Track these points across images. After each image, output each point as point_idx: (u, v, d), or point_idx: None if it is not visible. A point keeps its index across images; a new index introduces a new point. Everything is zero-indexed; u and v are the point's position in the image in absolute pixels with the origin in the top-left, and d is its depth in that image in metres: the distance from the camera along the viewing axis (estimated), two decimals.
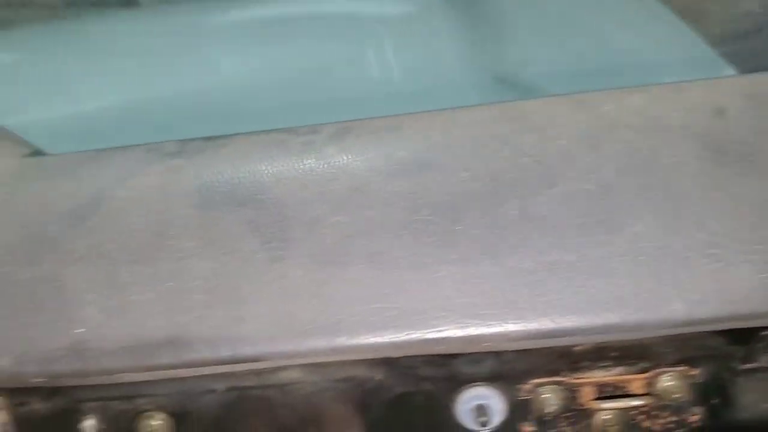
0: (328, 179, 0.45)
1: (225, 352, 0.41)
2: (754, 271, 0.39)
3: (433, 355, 0.45)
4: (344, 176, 0.45)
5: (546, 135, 0.44)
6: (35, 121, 0.83)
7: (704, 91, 0.46)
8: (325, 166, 0.46)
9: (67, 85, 1.10)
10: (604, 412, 0.47)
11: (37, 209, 0.47)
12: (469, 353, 0.45)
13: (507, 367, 0.46)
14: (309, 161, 0.46)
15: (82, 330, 0.42)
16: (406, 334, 0.41)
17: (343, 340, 0.41)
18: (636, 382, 0.47)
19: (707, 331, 0.43)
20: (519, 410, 0.48)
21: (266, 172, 0.46)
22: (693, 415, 0.47)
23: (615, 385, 0.47)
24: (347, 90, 1.11)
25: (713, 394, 0.47)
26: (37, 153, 0.57)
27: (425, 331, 0.40)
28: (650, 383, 0.46)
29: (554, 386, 0.46)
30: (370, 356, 0.42)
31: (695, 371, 0.46)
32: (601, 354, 0.45)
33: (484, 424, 0.47)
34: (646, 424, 0.48)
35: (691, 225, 0.40)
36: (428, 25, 1.21)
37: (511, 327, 0.40)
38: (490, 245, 0.41)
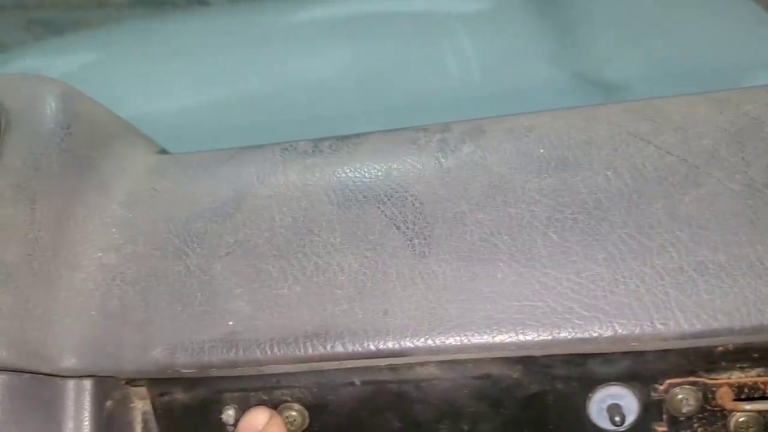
0: (467, 176, 0.46)
1: (371, 346, 0.42)
2: None
3: (571, 354, 0.45)
4: (483, 173, 0.45)
5: (688, 134, 0.44)
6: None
7: None
8: (463, 163, 0.46)
9: (145, 84, 1.14)
10: (741, 414, 0.47)
11: (181, 206, 0.49)
12: (606, 352, 0.45)
13: (642, 366, 0.46)
14: (446, 159, 0.47)
15: (232, 322, 0.44)
16: (555, 333, 0.41)
17: (490, 338, 0.41)
18: None
19: None
20: (652, 410, 0.47)
21: (403, 169, 0.47)
22: None
23: (753, 387, 0.46)
24: (425, 92, 1.11)
25: None
26: (163, 152, 0.59)
27: (573, 330, 0.41)
28: None
29: (690, 387, 0.46)
30: (515, 354, 0.42)
31: None
32: (743, 355, 0.44)
33: (618, 424, 0.47)
34: None
35: None
36: (505, 21, 1.21)
37: (660, 327, 0.40)
38: (638, 244, 0.41)
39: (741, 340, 0.41)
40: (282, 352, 0.43)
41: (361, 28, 1.20)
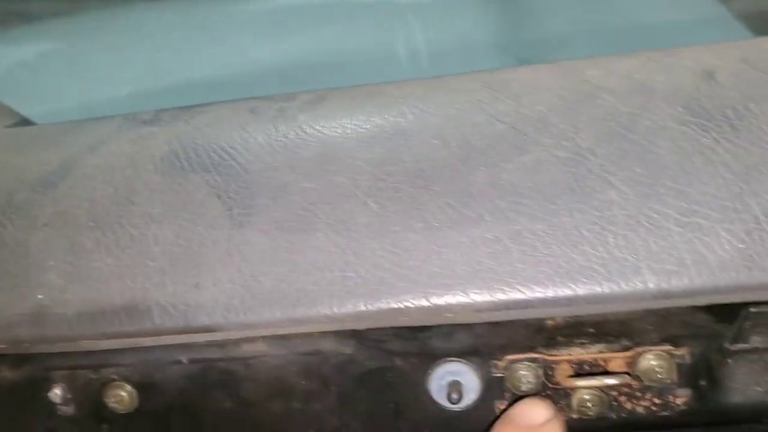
0: (299, 145, 0.44)
1: (180, 321, 0.40)
2: (735, 241, 0.37)
3: (402, 329, 0.43)
4: (315, 142, 0.43)
5: (522, 101, 0.42)
6: (64, 110, 0.84)
7: (696, 55, 0.43)
8: (297, 132, 0.44)
9: (95, 74, 1.12)
10: (583, 391, 0.45)
11: (10, 177, 0.47)
12: (441, 327, 0.43)
13: (480, 342, 0.44)
14: (281, 127, 0.45)
15: (42, 296, 0.42)
16: (367, 304, 0.39)
17: (303, 311, 0.40)
18: (616, 361, 0.44)
19: (690, 307, 0.41)
20: (494, 387, 0.46)
21: (236, 138, 0.45)
22: (678, 398, 0.45)
23: (594, 364, 0.45)
24: (376, 76, 1.10)
25: (700, 375, 0.45)
26: (25, 122, 0.57)
27: (387, 300, 0.39)
28: (631, 362, 0.44)
29: (530, 363, 0.45)
30: (330, 328, 0.41)
31: (681, 351, 0.44)
32: (577, 330, 0.43)
33: (454, 401, 0.45)
34: (628, 405, 0.45)
35: (668, 192, 0.38)
36: (456, 10, 1.20)
37: (475, 297, 0.38)
38: (456, 214, 0.40)
39: (561, 311, 0.40)
40: (90, 327, 0.41)
41: (315, 17, 1.19)
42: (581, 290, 0.37)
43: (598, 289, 0.37)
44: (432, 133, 0.42)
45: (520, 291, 0.38)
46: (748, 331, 0.43)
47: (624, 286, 0.37)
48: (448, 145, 0.42)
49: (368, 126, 0.43)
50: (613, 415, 0.46)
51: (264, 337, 0.43)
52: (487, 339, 0.44)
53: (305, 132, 0.44)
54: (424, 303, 0.38)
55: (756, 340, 0.45)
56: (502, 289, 0.38)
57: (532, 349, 0.44)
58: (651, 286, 0.37)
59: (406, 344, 0.44)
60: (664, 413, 0.45)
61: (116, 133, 0.48)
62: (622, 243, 0.37)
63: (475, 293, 0.38)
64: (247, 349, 0.44)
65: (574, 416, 0.46)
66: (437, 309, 0.38)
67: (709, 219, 0.37)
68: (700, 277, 0.37)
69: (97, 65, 1.12)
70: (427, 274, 0.39)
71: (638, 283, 0.37)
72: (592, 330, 0.43)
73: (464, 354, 0.45)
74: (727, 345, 0.45)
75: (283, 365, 0.44)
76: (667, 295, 0.37)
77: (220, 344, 0.44)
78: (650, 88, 0.41)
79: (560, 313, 0.40)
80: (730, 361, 0.45)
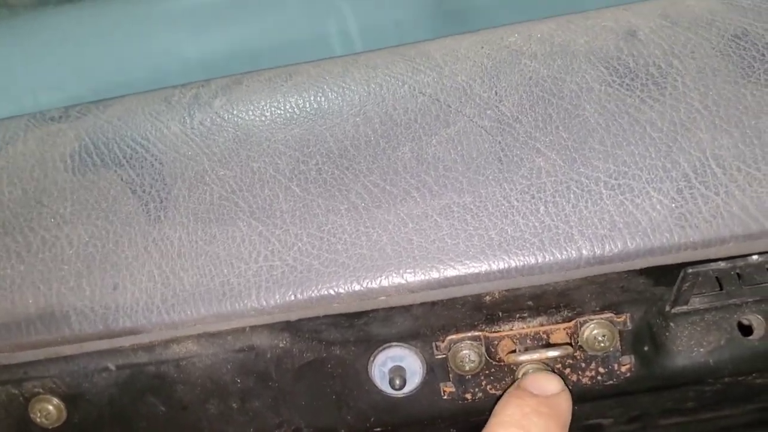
0: (213, 132, 0.42)
1: (100, 325, 0.38)
2: (666, 200, 0.36)
3: (337, 317, 0.42)
4: (231, 127, 0.42)
5: (444, 71, 0.41)
6: None
7: (617, 15, 0.42)
8: (211, 118, 0.42)
9: (15, 83, 1.08)
10: (527, 366, 0.44)
11: None
12: (378, 312, 0.42)
13: (420, 324, 0.43)
14: (196, 115, 0.43)
15: None
16: (297, 293, 0.37)
17: (229, 305, 0.38)
18: (558, 333, 0.44)
19: (628, 272, 0.40)
20: (438, 369, 0.45)
21: (149, 128, 0.43)
22: (623, 366, 0.44)
23: (536, 337, 0.44)
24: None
25: (643, 341, 0.44)
26: None
27: (317, 288, 0.37)
28: (573, 333, 0.43)
29: (471, 342, 0.43)
30: (261, 321, 0.39)
31: (621, 318, 0.43)
32: (516, 304, 0.42)
33: (397, 387, 0.44)
34: (573, 377, 0.45)
35: (595, 155, 0.37)
36: None
37: (408, 277, 0.37)
38: (381, 192, 0.38)
39: (496, 285, 0.38)
40: (4, 338, 0.38)
41: (249, 8, 1.17)
42: (515, 262, 0.36)
43: (531, 260, 0.36)
44: (353, 110, 0.41)
45: (453, 267, 0.36)
46: (687, 293, 0.43)
47: (558, 255, 0.36)
48: (370, 122, 0.40)
49: (286, 107, 0.42)
50: None
51: (193, 337, 0.41)
52: (426, 321, 0.42)
53: (221, 117, 0.42)
54: (356, 287, 0.37)
55: (695, 301, 0.44)
56: (435, 267, 0.36)
57: (473, 328, 0.43)
58: (585, 252, 0.36)
59: (344, 332, 0.42)
60: (610, 382, 0.45)
61: (23, 132, 0.45)
62: (553, 210, 0.36)
63: (408, 273, 0.37)
64: (177, 351, 0.42)
65: None
66: (370, 292, 0.37)
67: (639, 180, 0.36)
68: (634, 240, 0.36)
69: (15, 73, 1.08)
70: (356, 257, 0.37)
71: (572, 251, 0.36)
72: (530, 303, 0.42)
73: (405, 338, 0.44)
74: (667, 308, 0.44)
75: (216, 364, 0.42)
76: (601, 260, 0.36)
77: (148, 347, 0.42)
78: (572, 50, 0.40)
79: (496, 288, 0.38)
80: (672, 324, 0.45)
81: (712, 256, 0.37)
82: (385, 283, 0.37)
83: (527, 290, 0.41)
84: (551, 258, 0.36)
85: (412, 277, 0.37)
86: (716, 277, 0.45)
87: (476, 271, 0.36)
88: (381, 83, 0.41)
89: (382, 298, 0.37)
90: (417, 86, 0.41)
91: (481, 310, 0.42)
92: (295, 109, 0.41)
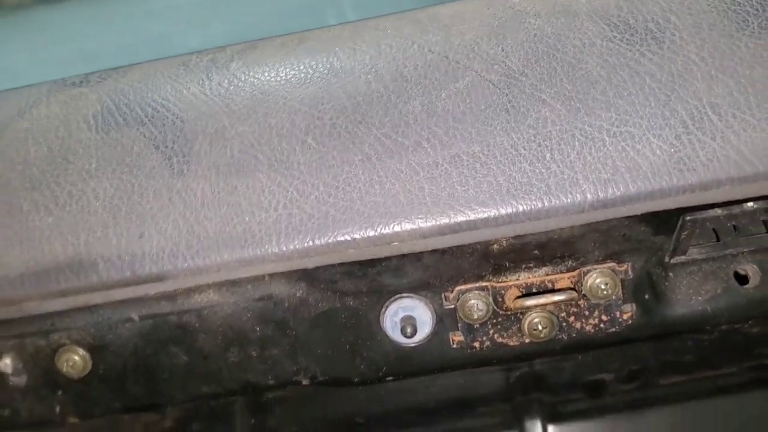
0: (231, 92, 0.43)
1: (127, 272, 0.40)
2: (665, 146, 0.38)
3: (351, 266, 0.44)
4: (248, 87, 0.43)
5: (452, 31, 0.43)
6: None
7: None
8: (228, 79, 0.44)
9: (16, 75, 1.09)
10: (533, 315, 0.46)
11: None
12: (390, 261, 0.44)
13: (429, 274, 0.45)
14: (214, 77, 0.45)
15: None
16: (314, 239, 0.39)
17: (251, 251, 0.40)
18: (563, 282, 0.45)
19: (629, 220, 0.42)
20: (447, 319, 0.46)
21: (168, 90, 0.45)
22: (625, 314, 0.46)
23: (541, 286, 0.46)
24: None
25: (644, 290, 0.46)
26: None
27: (333, 234, 0.39)
28: (577, 282, 0.45)
29: (479, 291, 0.45)
30: (280, 268, 0.41)
31: (623, 266, 0.45)
32: (522, 253, 0.44)
33: (409, 335, 0.46)
34: (577, 325, 0.47)
35: (598, 105, 0.39)
36: None
37: (420, 223, 0.39)
38: (393, 144, 0.40)
39: (504, 231, 0.40)
40: (35, 287, 0.40)
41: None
42: (522, 206, 0.38)
43: (538, 204, 0.38)
44: (365, 69, 0.43)
45: (463, 213, 0.38)
46: (685, 242, 0.45)
47: (564, 199, 0.38)
48: (381, 79, 0.42)
49: (301, 68, 0.44)
50: (564, 336, 0.47)
51: (214, 286, 0.43)
52: (435, 271, 0.44)
53: (238, 78, 0.44)
54: (370, 233, 0.39)
55: (694, 252, 0.46)
56: (446, 213, 0.38)
57: (480, 278, 0.45)
58: (589, 196, 0.38)
59: (357, 282, 0.44)
60: (613, 329, 0.47)
61: (45, 96, 0.47)
62: (558, 157, 0.38)
63: (420, 219, 0.39)
64: (199, 300, 0.44)
65: (527, 340, 0.47)
66: (383, 237, 0.39)
67: (640, 127, 0.38)
68: (635, 183, 0.38)
69: (17, 65, 1.10)
70: (370, 204, 0.39)
71: (577, 194, 0.38)
72: (537, 252, 0.44)
73: (415, 288, 0.46)
74: (667, 259, 0.46)
75: (236, 313, 0.44)
76: (605, 203, 0.38)
77: (171, 296, 0.44)
78: (574, 9, 0.42)
79: (505, 234, 0.40)
80: (671, 274, 0.47)
81: (710, 201, 0.39)
82: (398, 228, 0.39)
83: (533, 238, 0.43)
84: (557, 202, 0.38)
85: (423, 222, 0.39)
86: (713, 229, 0.47)
87: (485, 215, 0.38)
88: (391, 43, 0.43)
89: (395, 243, 0.39)
90: (426, 45, 0.43)
91: (488, 259, 0.44)
92: (309, 70, 0.43)
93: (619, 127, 0.38)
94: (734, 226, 0.47)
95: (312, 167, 0.40)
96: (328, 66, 0.43)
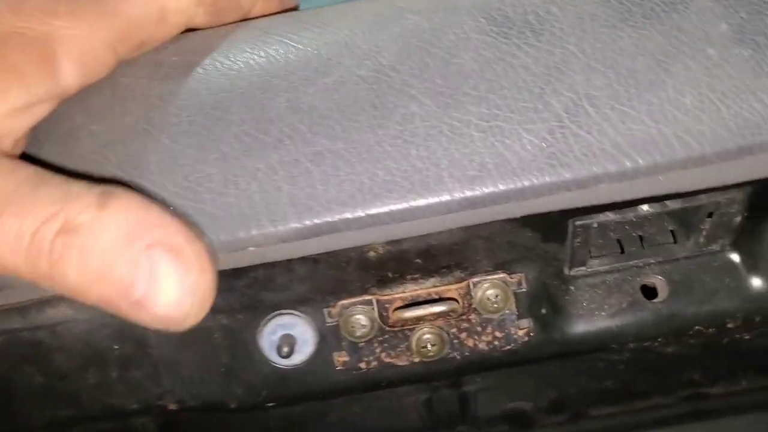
0: (92, 90, 0.40)
1: None
2: (537, 140, 0.35)
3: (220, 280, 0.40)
4: (107, 85, 0.40)
5: (328, 29, 0.40)
6: None
7: None
8: None
9: None
10: (422, 331, 0.43)
11: None
12: (254, 271, 0.40)
13: (307, 287, 0.41)
14: None
15: None
16: None
17: None
18: (450, 294, 0.42)
19: (510, 224, 0.39)
20: (330, 337, 0.43)
21: None
22: (520, 329, 0.43)
23: (428, 300, 0.42)
24: None
25: (540, 304, 0.43)
26: None
27: None
28: (466, 294, 0.42)
29: (363, 306, 0.42)
30: None
31: (515, 277, 0.42)
32: (404, 262, 0.41)
33: (285, 355, 0.42)
34: (470, 342, 0.43)
35: (468, 100, 0.36)
36: None
37: (278, 226, 0.36)
38: (253, 141, 0.37)
39: (371, 237, 0.37)
40: None
41: None
42: (384, 206, 0.35)
43: (402, 203, 0.35)
44: (231, 65, 0.40)
45: (322, 214, 0.35)
46: (582, 252, 0.42)
47: (428, 197, 0.35)
48: (247, 75, 0.39)
49: (164, 63, 0.41)
50: (456, 355, 0.43)
51: (67, 299, 0.40)
52: (313, 284, 0.41)
53: None
54: (223, 237, 0.36)
55: (595, 263, 0.43)
56: (303, 214, 0.35)
57: (364, 291, 0.42)
58: (455, 193, 0.35)
59: (227, 297, 0.41)
60: (508, 347, 0.43)
61: None
62: (425, 154, 0.35)
63: (276, 221, 0.35)
64: (52, 315, 0.40)
65: (416, 359, 0.43)
66: (238, 242, 0.36)
67: (510, 122, 0.35)
68: (503, 180, 0.35)
69: None
70: (222, 205, 0.36)
71: (442, 192, 0.35)
72: (419, 261, 0.41)
73: (294, 304, 0.42)
74: (566, 271, 0.43)
75: (93, 330, 0.41)
76: (472, 202, 0.35)
77: (22, 310, 0.40)
78: (455, 5, 0.40)
79: (373, 238, 0.37)
80: (572, 287, 0.44)
81: (594, 202, 0.36)
82: (254, 232, 0.35)
83: (410, 245, 0.39)
84: (421, 201, 0.35)
85: (281, 226, 0.35)
86: (618, 240, 0.44)
87: (346, 216, 0.35)
88: (263, 40, 0.41)
89: (251, 248, 0.36)
90: (300, 42, 0.40)
91: (369, 270, 0.41)
92: (171, 66, 0.40)
93: (489, 122, 0.36)
94: (640, 237, 0.44)
95: (163, 167, 0.37)
96: (191, 62, 0.40)
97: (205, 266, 0.32)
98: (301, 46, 0.40)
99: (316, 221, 0.35)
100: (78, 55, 0.36)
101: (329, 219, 0.35)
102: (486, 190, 0.35)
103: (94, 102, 0.39)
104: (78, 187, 0.32)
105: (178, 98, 0.39)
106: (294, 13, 0.44)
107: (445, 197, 0.35)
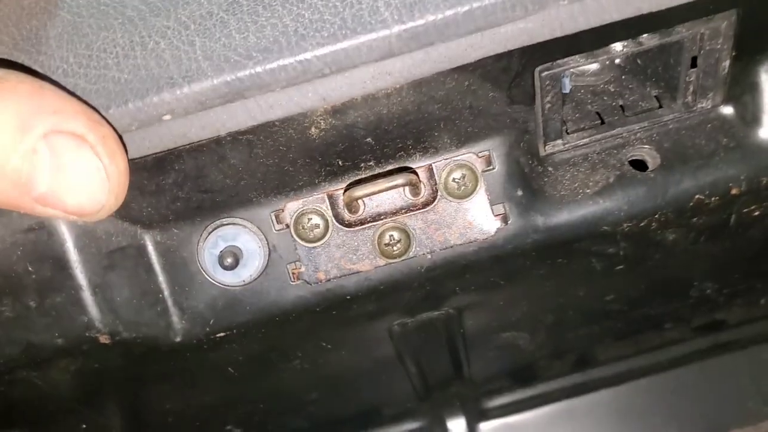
0: None
1: None
2: None
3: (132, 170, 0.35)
4: None
5: None
6: None
7: None
8: None
9: None
10: (385, 227, 0.37)
11: None
12: (179, 161, 0.34)
13: (246, 185, 0.36)
14: None
15: None
16: None
17: None
18: (412, 180, 0.37)
19: (467, 78, 0.34)
20: (281, 247, 0.38)
21: None
22: (496, 215, 0.37)
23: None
24: None
25: (515, 185, 0.38)
26: None
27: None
28: (429, 179, 0.37)
29: (314, 205, 0.37)
30: None
31: (483, 155, 0.37)
32: (353, 143, 0.35)
33: (230, 267, 0.37)
34: (439, 236, 0.38)
35: None
36: None
37: (193, 86, 0.31)
38: (161, 1, 0.32)
39: (311, 100, 0.32)
40: None
41: None
42: (315, 48, 0.30)
43: (335, 43, 0.30)
44: None
45: (240, 63, 0.30)
46: (554, 117, 0.37)
47: (363, 32, 0.30)
48: None
49: None
50: (426, 252, 0.38)
51: None
52: (254, 180, 0.36)
53: None
54: (132, 104, 0.31)
55: (573, 137, 0.38)
56: (220, 66, 0.30)
57: (313, 187, 0.37)
58: (393, 26, 0.30)
59: (158, 205, 0.36)
60: (483, 238, 0.38)
61: None
62: None
63: (189, 78, 0.31)
64: None
65: (381, 262, 0.38)
66: (150, 108, 0.31)
67: None
68: (447, 2, 0.30)
69: None
70: (129, 68, 0.31)
71: (377, 24, 0.30)
72: (370, 141, 0.35)
73: (236, 210, 0.37)
74: (541, 148, 0.38)
75: (4, 251, 0.35)
76: (414, 35, 0.30)
77: None
78: None
79: (309, 103, 0.32)
80: (549, 168, 0.38)
81: (557, 33, 0.31)
82: (165, 93, 0.30)
83: (358, 117, 0.34)
84: (355, 37, 0.30)
85: (196, 82, 0.30)
86: (597, 113, 0.39)
87: (270, 66, 0.30)
88: None
89: (167, 117, 0.31)
90: None
91: (314, 157, 0.36)
92: None
93: None
94: (621, 107, 0.39)
95: (62, 40, 0.32)
96: None
97: (113, 150, 0.28)
98: None
99: (238, 74, 0.30)
100: None
101: (250, 70, 0.30)
102: (429, 17, 0.30)
103: None
104: None
105: None
106: None
107: (384, 32, 0.30)
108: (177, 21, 0.32)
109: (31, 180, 0.27)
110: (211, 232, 0.37)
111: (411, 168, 0.37)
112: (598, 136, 0.38)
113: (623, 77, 0.39)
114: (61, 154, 0.27)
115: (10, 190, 0.27)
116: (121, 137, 0.31)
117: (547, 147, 0.38)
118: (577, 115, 0.39)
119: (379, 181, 0.35)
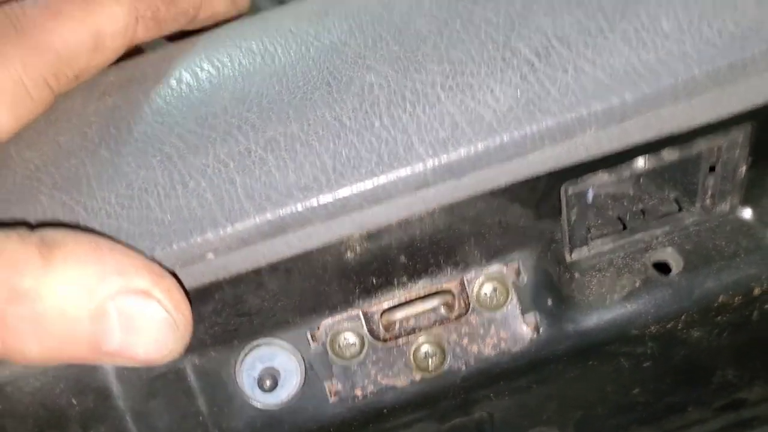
0: None
1: None
2: (510, 89, 0.32)
3: None
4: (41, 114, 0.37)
5: (271, 20, 0.38)
6: None
7: None
8: None
9: None
10: (419, 342, 0.38)
11: None
12: (221, 289, 0.35)
13: (282, 306, 0.37)
14: None
15: None
16: None
17: None
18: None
19: (497, 199, 0.35)
20: (318, 365, 0.38)
21: None
22: (527, 324, 0.38)
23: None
24: None
25: (545, 294, 0.39)
26: None
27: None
28: (461, 293, 0.38)
29: (349, 322, 0.38)
30: None
31: (513, 266, 0.38)
32: (387, 262, 0.36)
33: (271, 388, 0.37)
34: (473, 348, 0.38)
35: (429, 59, 0.33)
36: None
37: (235, 225, 0.32)
38: (197, 138, 0.34)
39: (349, 227, 0.33)
40: None
41: None
42: (353, 184, 0.31)
43: (371, 178, 0.31)
44: (167, 69, 0.37)
45: (283, 203, 0.31)
46: (580, 227, 0.38)
47: (398, 167, 0.31)
48: (187, 81, 0.36)
49: (104, 83, 0.38)
50: (461, 365, 0.38)
51: None
52: (291, 302, 0.37)
53: None
54: (176, 245, 0.31)
55: (597, 243, 0.39)
56: (262, 204, 0.31)
57: (348, 304, 0.37)
58: (428, 161, 0.31)
59: (198, 332, 0.36)
60: (517, 348, 0.38)
61: None
62: (389, 122, 0.32)
63: (232, 217, 0.31)
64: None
65: (417, 377, 0.38)
66: (194, 249, 0.32)
67: (478, 76, 0.32)
68: (479, 137, 0.31)
69: None
70: (172, 210, 0.32)
71: (413, 160, 0.31)
72: (404, 260, 0.36)
73: (272, 331, 0.38)
74: (567, 255, 0.39)
75: (47, 385, 0.36)
76: (448, 168, 0.31)
77: None
78: None
79: (346, 231, 0.33)
80: (576, 274, 0.39)
81: (583, 157, 0.33)
82: (209, 233, 0.31)
83: (392, 239, 0.35)
84: (393, 172, 0.31)
85: (239, 221, 0.31)
86: (618, 217, 0.40)
87: (311, 204, 0.31)
88: (202, 55, 0.38)
89: (210, 255, 0.32)
90: (240, 45, 0.37)
91: (349, 277, 0.36)
92: (109, 84, 0.37)
93: (455, 79, 0.32)
94: (642, 211, 0.40)
95: (103, 178, 0.33)
96: (131, 77, 0.37)
97: (178, 300, 0.29)
98: (243, 39, 0.37)
99: (279, 212, 0.31)
100: (9, 98, 0.33)
101: (292, 208, 0.31)
102: (463, 152, 0.31)
103: (27, 130, 0.36)
104: (13, 243, 0.28)
105: (115, 112, 0.36)
106: (233, 23, 0.41)
107: (419, 166, 0.31)
108: (216, 158, 0.33)
109: (103, 340, 0.28)
110: (248, 353, 0.38)
111: (446, 290, 0.37)
112: (622, 242, 0.39)
113: (642, 183, 0.40)
114: (130, 313, 0.28)
115: (82, 350, 0.28)
116: (182, 285, 0.32)
117: (573, 254, 0.39)
118: (599, 221, 0.40)
119: (416, 302, 0.36)
